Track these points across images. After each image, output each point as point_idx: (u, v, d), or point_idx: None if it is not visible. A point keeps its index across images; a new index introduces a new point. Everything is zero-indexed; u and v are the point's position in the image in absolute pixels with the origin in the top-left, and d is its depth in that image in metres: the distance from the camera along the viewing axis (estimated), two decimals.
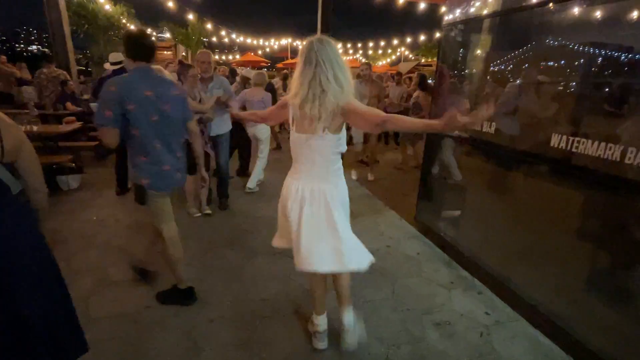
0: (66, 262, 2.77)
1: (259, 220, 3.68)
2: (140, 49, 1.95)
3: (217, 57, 23.65)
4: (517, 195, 2.73)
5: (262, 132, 4.45)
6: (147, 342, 2.02)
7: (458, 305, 2.46)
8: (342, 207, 1.77)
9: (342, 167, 1.79)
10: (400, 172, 5.89)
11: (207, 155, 3.55)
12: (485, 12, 3.01)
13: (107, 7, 12.79)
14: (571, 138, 2.08)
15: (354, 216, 3.85)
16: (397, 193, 4.76)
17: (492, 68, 3.17)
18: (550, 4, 2.31)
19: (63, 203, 3.98)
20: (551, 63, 2.62)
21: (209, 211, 3.80)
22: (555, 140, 2.17)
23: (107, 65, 4.22)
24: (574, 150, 2.07)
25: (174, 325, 2.16)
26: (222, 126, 3.71)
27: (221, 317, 2.24)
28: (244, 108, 4.28)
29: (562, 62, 2.58)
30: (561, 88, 2.57)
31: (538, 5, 2.43)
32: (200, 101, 3.40)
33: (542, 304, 2.31)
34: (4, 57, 7.59)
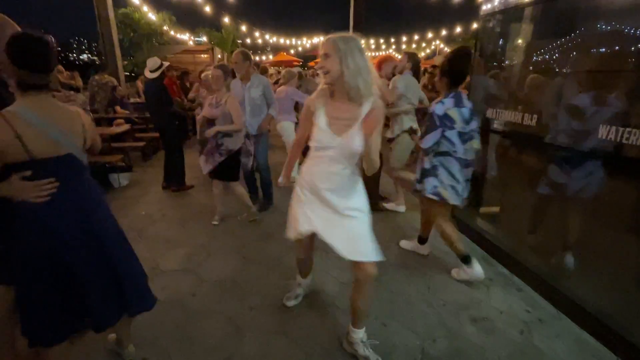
0: None
1: None
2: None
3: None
4: (558, 189, 2.61)
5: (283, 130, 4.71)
6: (194, 326, 2.18)
7: (497, 302, 2.41)
8: None
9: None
10: None
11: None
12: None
13: (150, 15, 13.54)
14: (621, 129, 1.98)
15: (388, 211, 3.88)
16: None
17: (535, 58, 3.04)
18: None
19: (115, 199, 4.32)
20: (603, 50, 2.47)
21: (256, 217, 3.68)
22: (603, 132, 2.07)
23: (147, 74, 4.32)
24: (624, 141, 1.96)
25: (217, 311, 2.30)
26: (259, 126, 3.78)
27: (261, 305, 2.36)
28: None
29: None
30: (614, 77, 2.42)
31: None
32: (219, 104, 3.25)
33: (588, 302, 2.21)
34: (61, 67, 8.26)
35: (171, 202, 4.25)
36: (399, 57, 4.29)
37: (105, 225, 1.61)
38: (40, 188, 1.38)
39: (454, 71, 2.43)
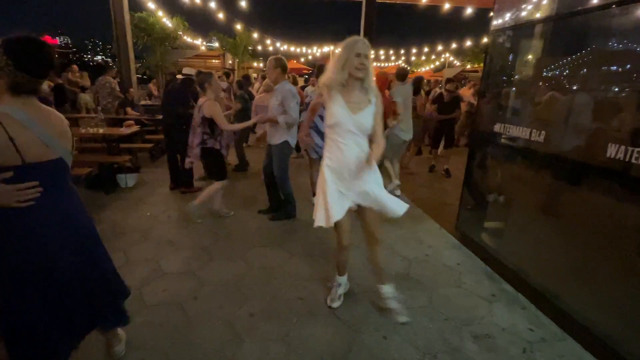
0: (124, 253, 3.04)
1: (296, 223, 3.79)
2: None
3: (260, 65, 24.51)
4: (567, 206, 2.58)
5: None
6: (194, 330, 2.17)
7: (500, 319, 2.37)
8: None
9: None
10: (440, 180, 5.76)
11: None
12: (537, 16, 2.91)
13: (165, 20, 13.79)
14: (630, 149, 1.96)
15: (391, 223, 3.87)
16: (437, 202, 4.66)
17: (545, 74, 3.04)
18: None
19: (121, 199, 4.36)
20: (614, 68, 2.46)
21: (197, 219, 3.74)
22: (611, 151, 2.05)
23: (179, 76, 5.06)
24: (633, 161, 1.95)
25: (218, 316, 2.30)
26: (274, 136, 3.67)
27: (261, 311, 2.35)
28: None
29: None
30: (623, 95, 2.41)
31: (600, 8, 2.31)
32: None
33: (595, 325, 2.17)
34: (75, 67, 8.44)
35: (177, 204, 4.27)
36: (408, 67, 5.14)
37: (89, 232, 1.58)
38: (23, 192, 1.27)
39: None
